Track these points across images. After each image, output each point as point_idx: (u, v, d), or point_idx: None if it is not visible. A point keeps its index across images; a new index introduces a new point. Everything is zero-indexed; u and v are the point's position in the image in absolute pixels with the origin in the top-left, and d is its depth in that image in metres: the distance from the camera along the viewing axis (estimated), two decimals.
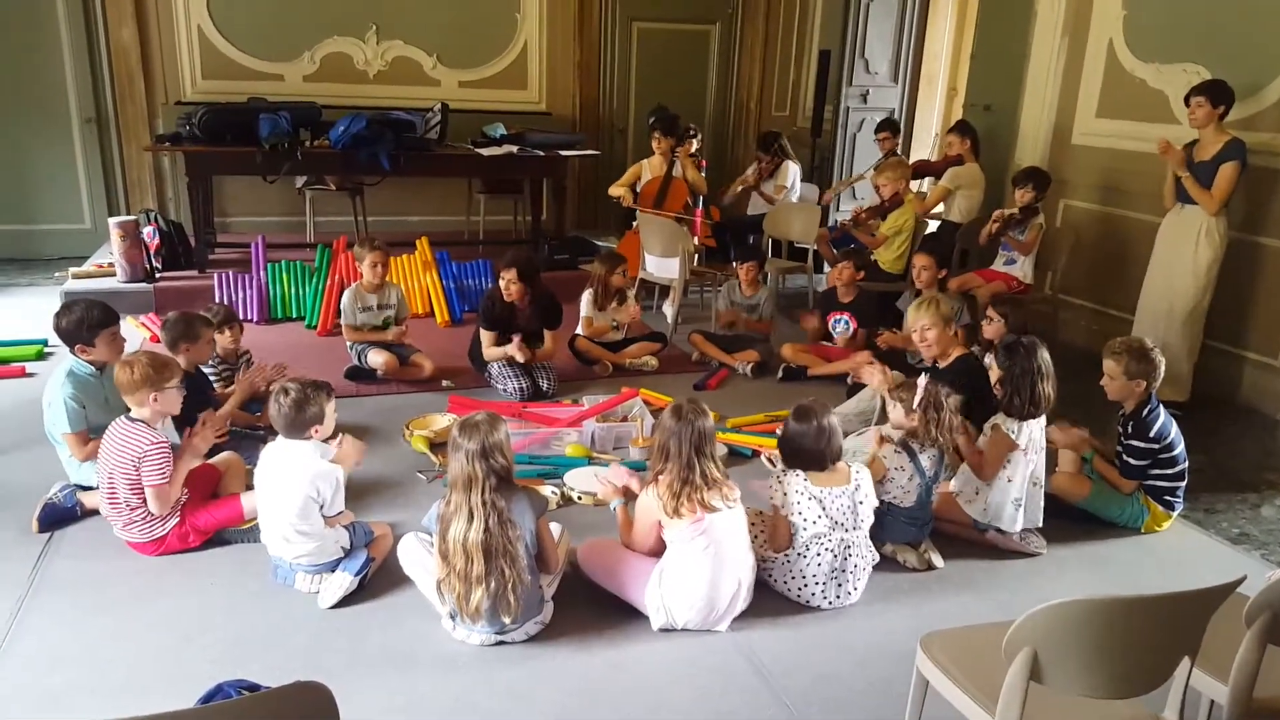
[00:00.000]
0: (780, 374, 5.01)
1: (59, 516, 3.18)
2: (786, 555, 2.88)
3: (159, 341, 3.95)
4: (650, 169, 6.53)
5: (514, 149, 6.68)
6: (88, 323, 3.28)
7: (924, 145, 8.58)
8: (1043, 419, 3.31)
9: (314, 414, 2.84)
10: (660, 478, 2.73)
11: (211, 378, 3.99)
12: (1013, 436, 3.22)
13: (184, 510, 3.03)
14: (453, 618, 2.63)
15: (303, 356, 4.76)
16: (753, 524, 2.97)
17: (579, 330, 5.09)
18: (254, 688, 2.04)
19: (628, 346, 5.11)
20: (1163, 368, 3.38)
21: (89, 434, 3.24)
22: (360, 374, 4.67)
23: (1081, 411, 3.74)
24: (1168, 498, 3.47)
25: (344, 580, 2.81)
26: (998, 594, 3.05)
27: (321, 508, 2.83)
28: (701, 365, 5.20)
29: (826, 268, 5.95)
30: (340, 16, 7.47)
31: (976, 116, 6.72)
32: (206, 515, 3.07)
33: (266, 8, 7.29)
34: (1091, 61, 5.83)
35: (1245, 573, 1.94)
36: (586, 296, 5.09)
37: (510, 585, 2.52)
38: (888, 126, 6.97)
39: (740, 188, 7.22)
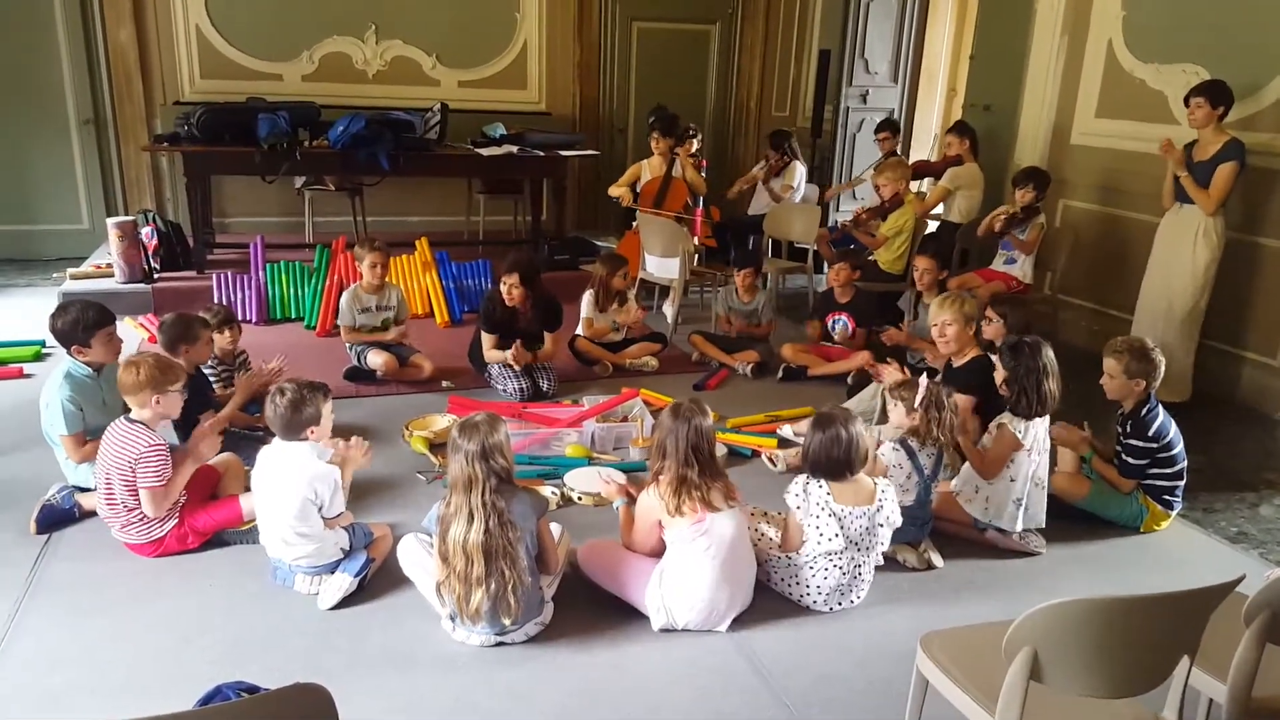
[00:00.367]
0: (780, 374, 5.01)
1: (57, 518, 3.17)
2: (793, 561, 2.86)
3: (157, 342, 3.94)
4: (650, 169, 6.54)
5: (514, 149, 6.67)
6: (83, 323, 3.27)
7: (924, 145, 8.59)
8: (1046, 418, 3.31)
9: (310, 415, 2.83)
10: (660, 477, 2.73)
11: (210, 379, 3.98)
12: (1019, 436, 3.23)
13: (182, 511, 3.02)
14: (452, 619, 2.63)
15: (302, 357, 4.74)
16: (755, 523, 2.96)
17: (579, 331, 5.09)
18: (253, 689, 2.05)
19: (628, 347, 5.11)
20: (1163, 368, 3.38)
21: (86, 436, 3.23)
22: (359, 375, 4.66)
23: (1081, 411, 3.74)
24: (1167, 497, 3.47)
25: (343, 581, 2.81)
26: (997, 594, 3.05)
27: (320, 509, 2.83)
28: (701, 365, 5.20)
29: (826, 268, 5.95)
30: (339, 16, 7.46)
31: (976, 116, 6.73)
32: (205, 516, 3.06)
33: (265, 7, 7.28)
34: (1091, 62, 5.83)
35: (1244, 572, 1.94)
36: (587, 297, 5.09)
37: (510, 586, 2.52)
38: (887, 126, 6.98)
39: (747, 185, 7.23)
